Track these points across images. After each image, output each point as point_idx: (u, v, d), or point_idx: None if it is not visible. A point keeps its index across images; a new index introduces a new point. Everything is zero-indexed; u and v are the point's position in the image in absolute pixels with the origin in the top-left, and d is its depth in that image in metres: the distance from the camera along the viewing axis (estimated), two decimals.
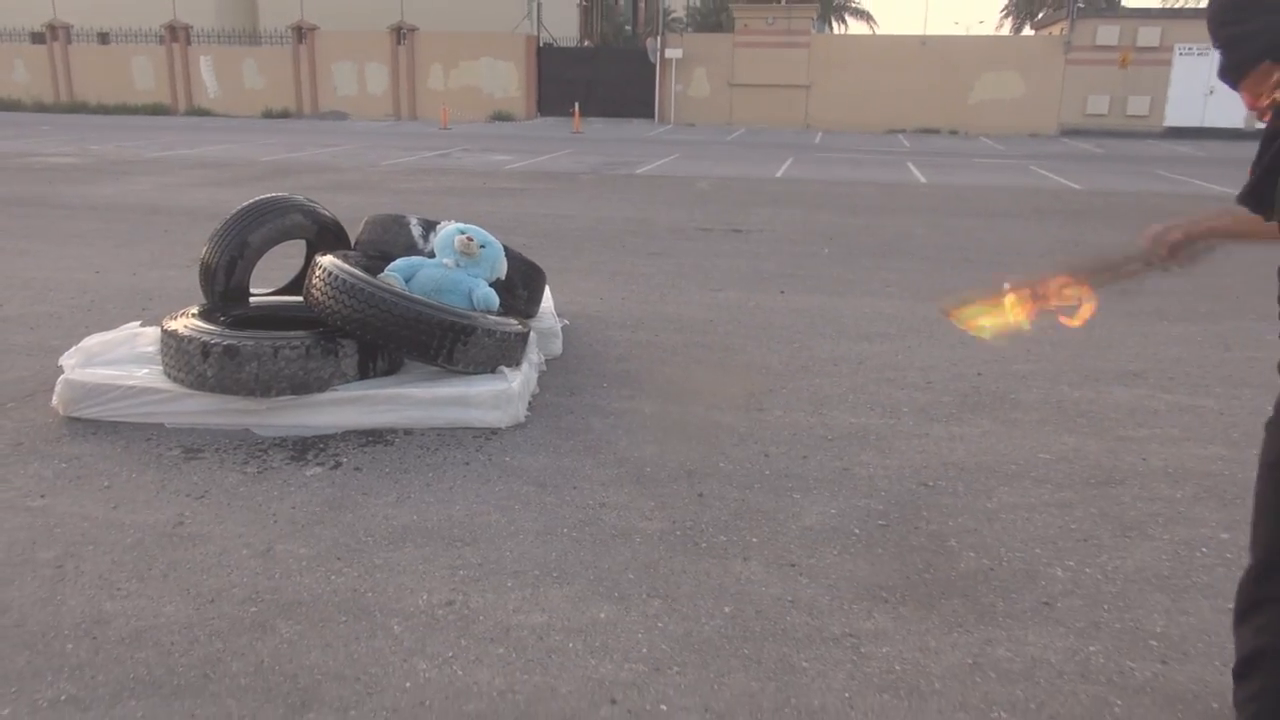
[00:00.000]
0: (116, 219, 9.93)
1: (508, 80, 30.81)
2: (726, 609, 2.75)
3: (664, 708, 2.31)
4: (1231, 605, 2.09)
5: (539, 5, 32.53)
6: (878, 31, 42.91)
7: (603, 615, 2.70)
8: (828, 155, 20.17)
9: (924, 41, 28.79)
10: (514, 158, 17.86)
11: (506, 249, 4.79)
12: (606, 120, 29.63)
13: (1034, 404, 4.59)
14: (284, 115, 31.11)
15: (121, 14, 33.77)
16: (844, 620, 2.70)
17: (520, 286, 4.92)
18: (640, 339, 5.61)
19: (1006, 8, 41.99)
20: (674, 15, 56.50)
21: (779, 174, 16.19)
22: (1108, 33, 27.27)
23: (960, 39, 30.11)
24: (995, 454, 3.95)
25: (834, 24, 44.56)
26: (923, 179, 15.94)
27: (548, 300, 5.46)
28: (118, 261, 7.43)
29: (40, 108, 32.52)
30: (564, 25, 36.14)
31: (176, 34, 32.23)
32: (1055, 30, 29.66)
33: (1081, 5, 28.15)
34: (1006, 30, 41.92)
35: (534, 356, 4.67)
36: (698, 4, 59.42)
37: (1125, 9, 30.90)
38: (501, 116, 30.10)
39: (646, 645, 2.56)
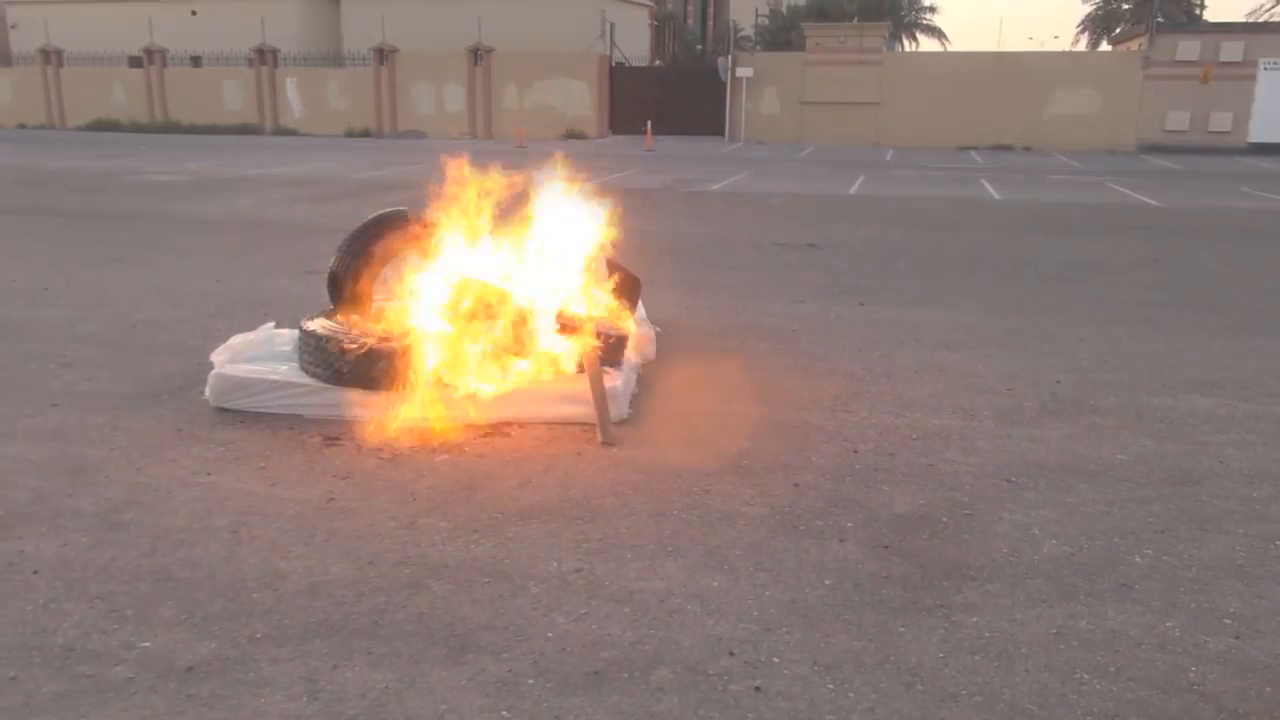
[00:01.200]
0: (224, 233, 10.59)
1: (581, 99, 31.45)
2: (827, 582, 3.03)
3: (776, 660, 2.61)
4: None
5: (611, 26, 33.19)
6: (950, 48, 42.69)
7: (715, 584, 3.01)
8: (900, 172, 20.27)
9: (998, 58, 28.67)
10: (587, 175, 18.33)
11: (607, 259, 5.15)
12: (677, 138, 30.06)
13: (1113, 410, 4.78)
14: (365, 134, 32.20)
15: (213, 39, 35.36)
16: (936, 594, 2.96)
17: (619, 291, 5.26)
18: (727, 346, 5.92)
19: (1082, 23, 41.46)
20: (743, 33, 56.91)
21: (852, 191, 16.38)
22: (1188, 48, 26.86)
23: (1035, 55, 29.91)
24: (1075, 455, 4.16)
25: (905, 41, 44.47)
26: (997, 195, 15.99)
27: (641, 308, 5.81)
28: (234, 271, 7.99)
29: (136, 128, 34.13)
30: (635, 45, 36.79)
31: (265, 57, 33.61)
32: (1133, 45, 29.28)
33: (1161, 20, 27.78)
34: (1082, 46, 41.39)
35: (633, 359, 5.01)
36: (766, 22, 59.72)
37: (1206, 24, 30.37)
38: (574, 135, 30.72)
39: (756, 610, 2.86)
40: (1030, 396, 4.97)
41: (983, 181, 18.29)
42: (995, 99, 28.05)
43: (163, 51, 35.11)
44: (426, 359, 4.36)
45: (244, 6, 35.38)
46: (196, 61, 35.95)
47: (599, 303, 5.07)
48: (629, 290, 5.41)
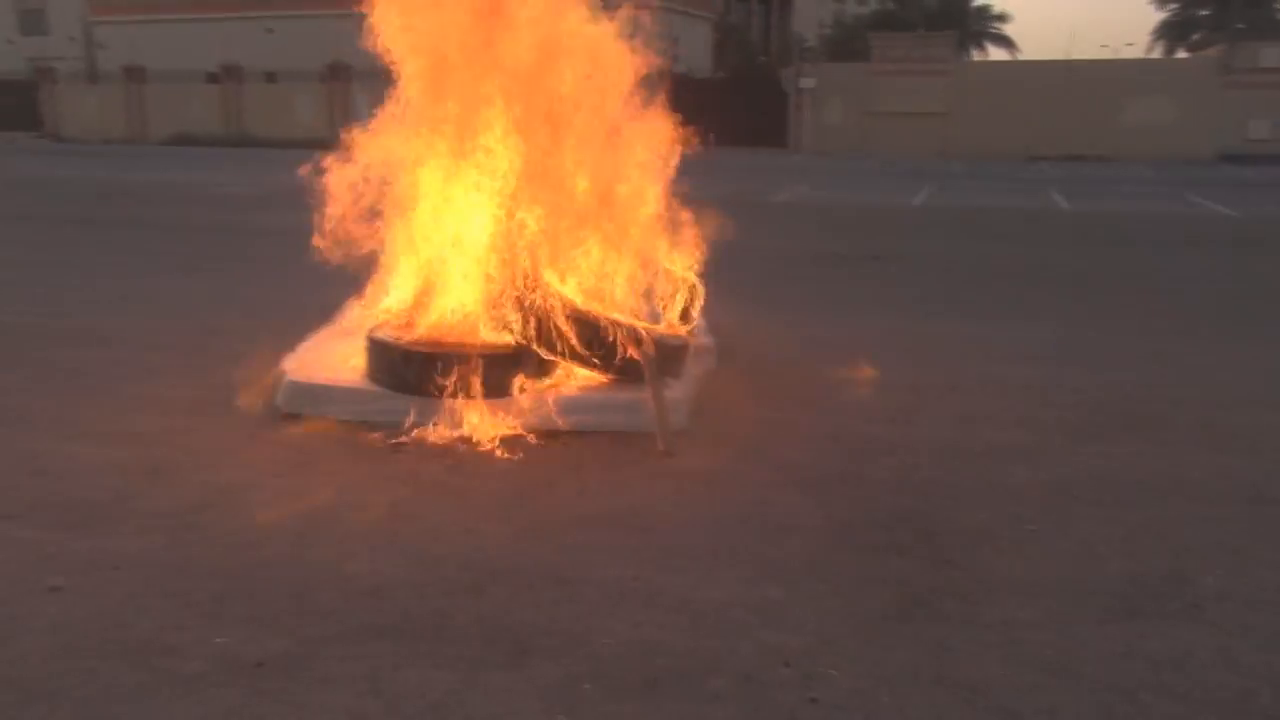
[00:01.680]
0: (295, 243, 10.84)
1: None
2: (886, 595, 3.01)
3: (833, 672, 2.60)
4: None
5: (674, 39, 33.33)
6: (1019, 57, 42.01)
7: (772, 595, 3.01)
8: (967, 183, 19.99)
9: (1069, 67, 28.12)
10: None
11: (668, 270, 5.18)
12: (740, 149, 30.02)
13: (1187, 426, 4.66)
14: None
15: (287, 55, 36.42)
16: (998, 610, 2.92)
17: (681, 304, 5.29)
18: (787, 358, 5.91)
19: (1157, 30, 40.43)
20: (807, 44, 56.69)
21: (916, 202, 16.21)
22: (1271, 55, 26.05)
23: (1108, 63, 29.27)
24: (1146, 470, 4.07)
25: (973, 51, 43.87)
26: (1067, 206, 15.68)
27: (700, 319, 5.82)
28: (304, 280, 8.19)
29: (213, 141, 35.26)
30: (698, 57, 36.91)
31: (336, 72, 34.48)
32: (1212, 53, 28.47)
33: (1242, 26, 26.97)
34: (1157, 53, 40.36)
35: (693, 369, 5.03)
36: (830, 33, 59.40)
37: None
38: None
39: (814, 621, 2.85)
40: (1099, 411, 4.87)
41: (1052, 192, 17.94)
42: (1066, 108, 27.52)
43: (239, 68, 36.27)
44: (492, 367, 4.44)
45: (317, 23, 36.37)
46: (271, 77, 37.05)
47: (665, 313, 5.10)
48: (689, 297, 5.43)
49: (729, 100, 31.97)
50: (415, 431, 4.36)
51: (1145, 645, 2.73)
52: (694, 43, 37.21)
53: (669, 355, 4.65)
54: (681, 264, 5.61)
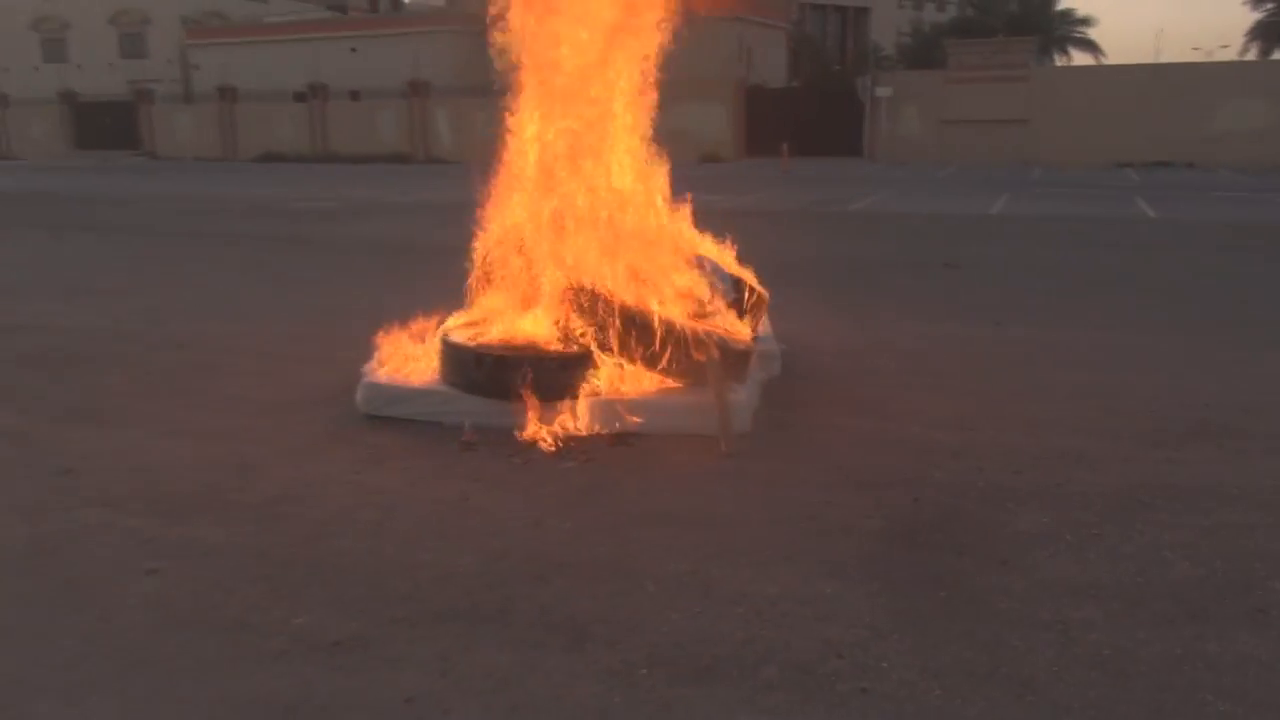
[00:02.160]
0: (375, 254, 11.26)
1: (717, 123, 31.70)
2: (941, 594, 3.05)
3: (885, 665, 2.65)
4: None
5: (749, 50, 33.37)
6: (1105, 62, 40.86)
7: (828, 591, 3.07)
8: (1047, 191, 19.57)
9: (1154, 70, 27.31)
10: (723, 198, 18.44)
11: (735, 276, 5.28)
12: (814, 159, 29.88)
13: (1262, 435, 4.55)
14: None
15: (371, 74, 37.51)
16: (1054, 609, 2.94)
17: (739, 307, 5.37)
18: (856, 365, 5.93)
19: (1251, 31, 38.90)
20: (884, 53, 56.08)
21: (994, 210, 15.95)
22: None
23: (1197, 66, 28.33)
24: (1216, 478, 4.00)
25: (1057, 56, 42.84)
26: (1152, 213, 15.26)
27: (768, 326, 5.89)
28: (382, 289, 8.50)
29: (300, 158, 36.47)
30: (773, 67, 36.84)
31: (418, 89, 35.39)
32: None
33: None
34: (1252, 55, 38.85)
35: (757, 374, 5.11)
36: (909, 41, 58.61)
37: None
38: (710, 158, 30.95)
39: (868, 616, 2.91)
40: (1174, 419, 4.79)
41: (1137, 199, 17.47)
42: (1153, 113, 26.71)
43: (325, 87, 37.50)
44: (560, 371, 4.58)
45: (399, 42, 37.41)
46: (355, 95, 38.20)
47: (726, 319, 5.19)
48: (755, 307, 5.51)
49: (804, 110, 31.87)
50: (485, 431, 4.52)
51: (1204, 648, 2.72)
52: (769, 53, 37.15)
53: (733, 360, 4.73)
54: (748, 273, 5.73)
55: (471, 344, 4.79)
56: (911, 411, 4.95)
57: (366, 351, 5.37)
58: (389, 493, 3.91)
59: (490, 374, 4.63)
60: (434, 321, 5.31)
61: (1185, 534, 3.47)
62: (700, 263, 5.37)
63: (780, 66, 38.74)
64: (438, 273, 5.52)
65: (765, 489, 3.92)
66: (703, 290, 5.13)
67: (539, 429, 4.46)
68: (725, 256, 5.76)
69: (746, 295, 5.52)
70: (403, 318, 5.52)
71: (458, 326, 5.09)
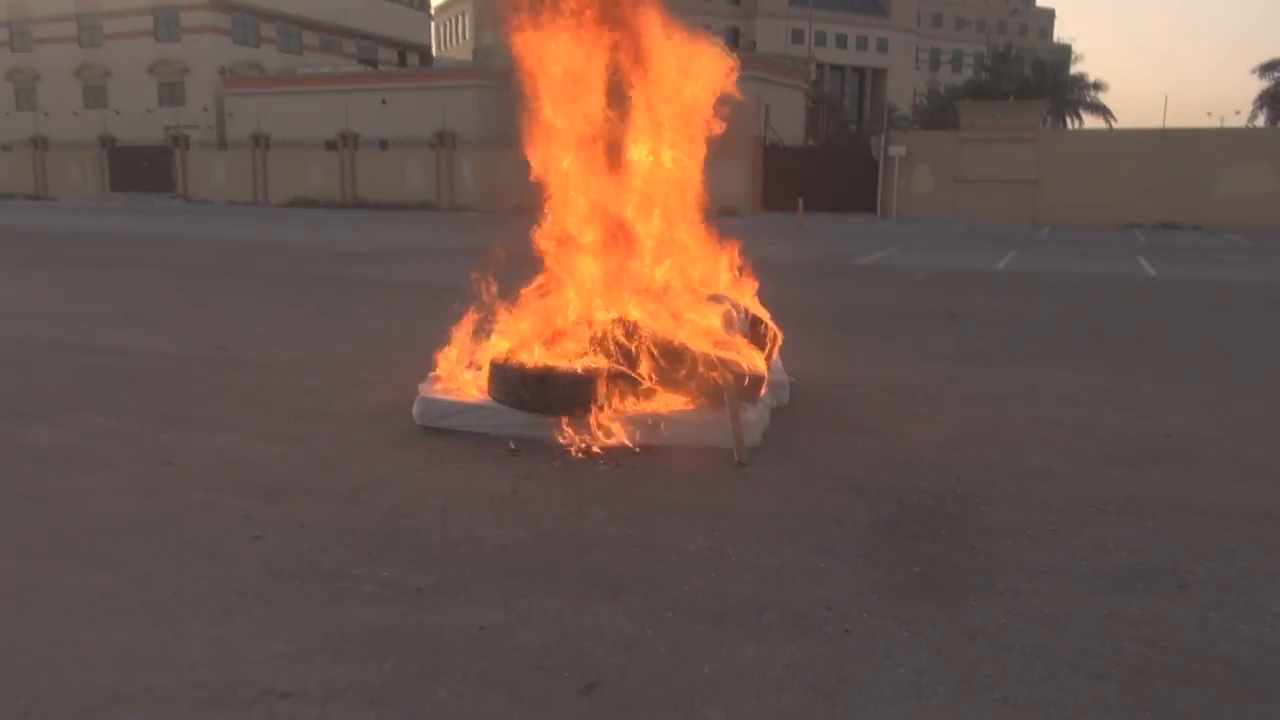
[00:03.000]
0: (410, 293, 12.03)
1: (735, 178, 32.68)
2: (915, 569, 3.68)
3: (865, 615, 3.28)
4: None
5: (767, 109, 34.50)
6: (1115, 125, 41.92)
7: (821, 564, 3.70)
8: (1054, 249, 20.29)
9: (1162, 135, 28.19)
10: (742, 249, 19.29)
11: (746, 311, 5.97)
12: (829, 215, 30.79)
13: (1214, 459, 5.17)
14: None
15: (399, 124, 38.87)
16: (1009, 582, 3.56)
17: (756, 342, 6.05)
18: (855, 395, 6.58)
19: (1260, 99, 39.92)
20: (899, 114, 57.37)
21: (999, 266, 16.64)
22: None
23: (1203, 132, 29.17)
24: (1167, 492, 4.62)
25: (1070, 119, 43.95)
26: (1152, 272, 15.91)
27: (779, 361, 6.56)
28: (421, 323, 9.20)
29: (329, 204, 37.72)
30: (791, 126, 37.96)
31: (444, 140, 36.65)
32: None
33: None
34: (1261, 123, 39.82)
35: (768, 399, 5.77)
36: (924, 103, 59.89)
37: None
38: (728, 212, 31.88)
39: (853, 583, 3.54)
40: (1135, 446, 5.41)
41: (1140, 259, 18.15)
42: (1160, 177, 27.52)
43: (355, 136, 38.85)
44: (595, 389, 5.26)
45: (427, 95, 38.79)
46: (384, 144, 39.54)
47: (743, 350, 5.86)
48: (770, 342, 6.19)
49: (820, 168, 32.91)
50: (528, 441, 5.19)
51: (1127, 611, 3.34)
52: (787, 113, 38.32)
53: (747, 384, 5.40)
54: (765, 313, 6.44)
55: (518, 365, 5.48)
56: (903, 434, 5.59)
57: (418, 373, 6.07)
58: (449, 486, 4.57)
59: (534, 391, 5.31)
60: (480, 346, 6.00)
61: (1129, 532, 4.08)
62: (723, 302, 6.07)
63: (798, 125, 39.89)
64: (473, 309, 6.22)
65: (771, 490, 4.56)
66: (723, 325, 5.83)
67: (577, 438, 5.13)
68: (746, 298, 6.47)
69: (763, 331, 6.21)
70: (446, 345, 6.21)
71: (504, 350, 5.78)
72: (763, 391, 5.65)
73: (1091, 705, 2.75)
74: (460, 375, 5.95)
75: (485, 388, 5.65)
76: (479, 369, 5.87)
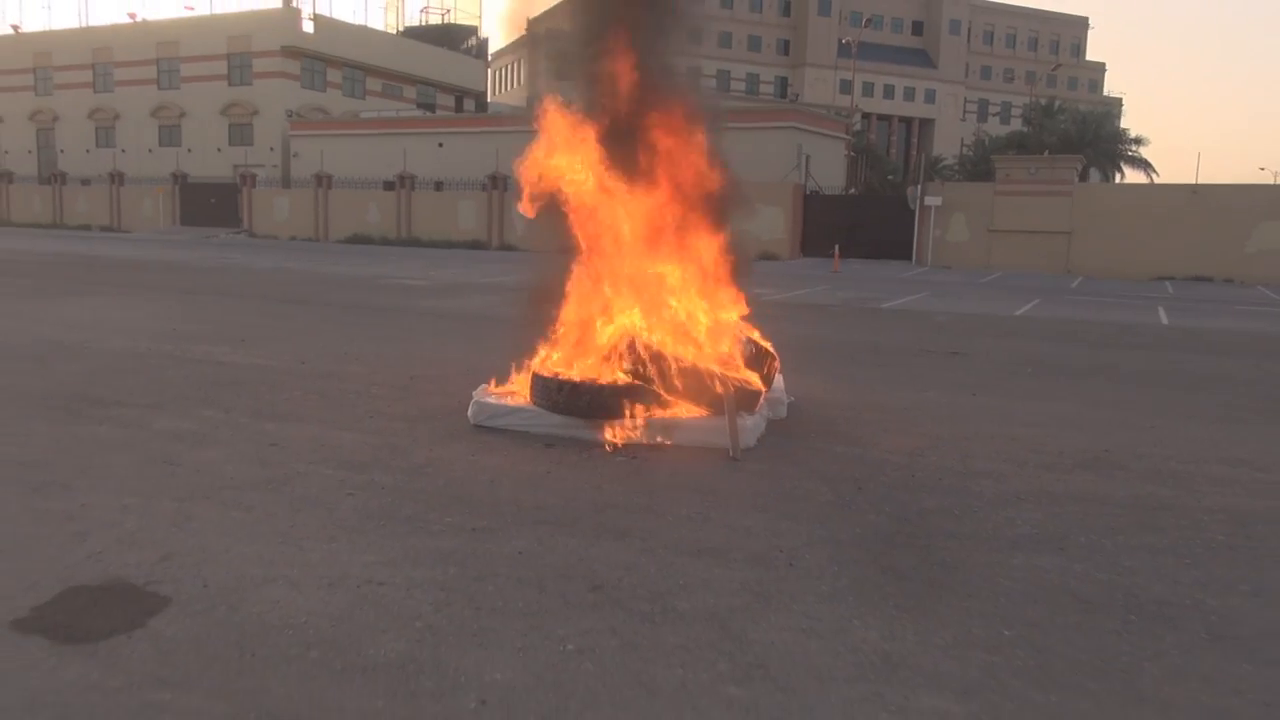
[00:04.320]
0: (464, 323, 13.33)
1: (774, 224, 33.93)
2: (856, 530, 4.75)
3: (808, 557, 4.35)
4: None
5: (807, 158, 35.77)
6: (1155, 178, 42.52)
7: (783, 526, 4.78)
8: (1078, 298, 21.12)
9: (1194, 190, 28.90)
10: (773, 291, 20.41)
11: (750, 339, 7.10)
12: (865, 261, 31.83)
13: (1140, 470, 6.15)
14: None
15: (454, 167, 40.78)
16: (927, 541, 4.61)
17: (756, 364, 7.16)
18: (846, 414, 7.65)
19: None
20: (945, 163, 58.29)
21: (1018, 312, 17.56)
22: None
23: (1236, 188, 29.80)
24: (1083, 490, 5.62)
25: (1110, 173, 44.66)
26: (1165, 320, 16.72)
27: (781, 382, 7.66)
28: (474, 347, 10.48)
29: (385, 241, 39.59)
30: (832, 175, 39.17)
31: (496, 182, 38.41)
32: None
33: None
34: None
35: (765, 411, 6.87)
36: (969, 153, 60.72)
37: None
38: (767, 256, 33.07)
39: (805, 537, 4.62)
40: (1073, 459, 6.41)
41: (1159, 309, 18.93)
42: (1193, 230, 28.21)
43: (412, 177, 40.82)
44: (618, 397, 6.41)
45: (482, 140, 40.68)
46: (439, 186, 41.48)
47: (741, 369, 6.97)
48: (766, 361, 7.30)
49: (859, 216, 34.01)
50: (562, 438, 6.35)
51: (1011, 561, 4.37)
52: (828, 161, 39.57)
53: (745, 397, 6.51)
54: (765, 341, 7.55)
55: (554, 376, 6.65)
56: (878, 444, 6.65)
57: (470, 385, 7.27)
58: (496, 467, 5.73)
59: (568, 398, 6.47)
60: (524, 361, 7.19)
61: (1036, 515, 5.11)
62: (729, 329, 7.21)
63: (839, 173, 41.08)
64: (518, 338, 7.41)
65: (755, 478, 5.66)
66: (728, 349, 6.96)
67: (601, 436, 6.27)
68: (748, 329, 7.59)
69: (761, 354, 7.33)
70: (496, 363, 7.40)
71: (544, 364, 6.96)
72: (759, 404, 6.76)
73: (956, 611, 3.80)
74: (509, 384, 7.14)
75: (528, 395, 6.83)
76: (525, 380, 7.06)
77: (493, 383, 7.22)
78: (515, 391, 7.03)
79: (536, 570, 4.11)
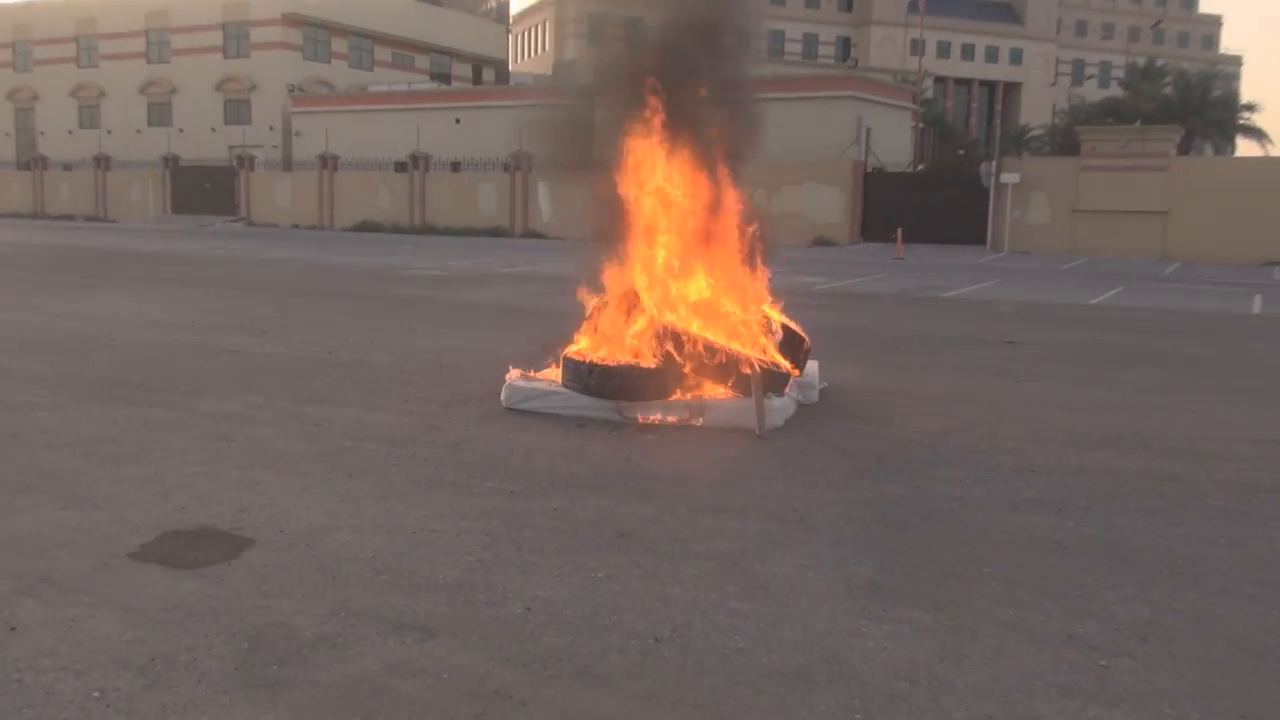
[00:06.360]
0: (489, 313, 14.60)
1: (830, 205, 34.91)
2: (868, 495, 5.87)
3: (820, 515, 5.48)
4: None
5: (868, 131, 36.73)
6: (1271, 151, 42.87)
7: (800, 491, 5.92)
8: (1168, 285, 21.93)
9: None
10: (825, 279, 21.48)
11: (782, 324, 8.25)
12: (934, 247, 32.65)
13: (1160, 449, 7.18)
14: None
15: (472, 146, 42.20)
16: (932, 504, 5.72)
17: (787, 348, 8.29)
18: (879, 399, 8.75)
19: None
20: (1032, 133, 58.75)
21: (1095, 301, 18.47)
22: None
23: None
24: (1099, 464, 6.68)
25: (1219, 144, 45.02)
26: (1257, 310, 17.55)
27: (813, 364, 8.78)
28: (502, 337, 11.71)
29: (397, 229, 41.15)
30: (898, 150, 40.01)
31: (519, 162, 39.78)
32: None
33: None
34: None
35: (794, 394, 8.00)
36: (1060, 122, 61.17)
37: None
38: (822, 241, 34.06)
39: (819, 500, 5.74)
40: (1100, 438, 7.45)
41: (1255, 297, 19.71)
42: None
43: (426, 157, 42.34)
44: (649, 379, 7.58)
45: (503, 115, 42.08)
46: (456, 167, 42.95)
47: (770, 352, 8.10)
48: (797, 345, 8.43)
49: (927, 196, 34.81)
50: (591, 419, 7.54)
51: (1009, 520, 5.47)
52: (892, 134, 40.44)
53: (773, 379, 7.65)
54: (797, 325, 8.68)
55: (584, 359, 7.83)
56: (906, 425, 7.75)
57: (501, 372, 8.48)
58: (532, 444, 6.93)
59: (599, 380, 7.65)
60: (555, 345, 8.38)
61: (1044, 484, 6.19)
62: (759, 313, 8.35)
63: (904, 148, 41.91)
64: (546, 328, 8.61)
65: (778, 453, 6.80)
66: (759, 333, 8.10)
67: (632, 417, 7.45)
68: (780, 315, 8.72)
69: (793, 339, 8.46)
70: (514, 355, 8.59)
71: (575, 348, 8.16)
72: (788, 387, 7.89)
73: (944, 554, 4.91)
74: (540, 369, 8.34)
75: (560, 378, 8.02)
76: (556, 366, 8.26)
77: (531, 371, 8.42)
78: (547, 375, 8.23)
79: (570, 522, 5.28)
